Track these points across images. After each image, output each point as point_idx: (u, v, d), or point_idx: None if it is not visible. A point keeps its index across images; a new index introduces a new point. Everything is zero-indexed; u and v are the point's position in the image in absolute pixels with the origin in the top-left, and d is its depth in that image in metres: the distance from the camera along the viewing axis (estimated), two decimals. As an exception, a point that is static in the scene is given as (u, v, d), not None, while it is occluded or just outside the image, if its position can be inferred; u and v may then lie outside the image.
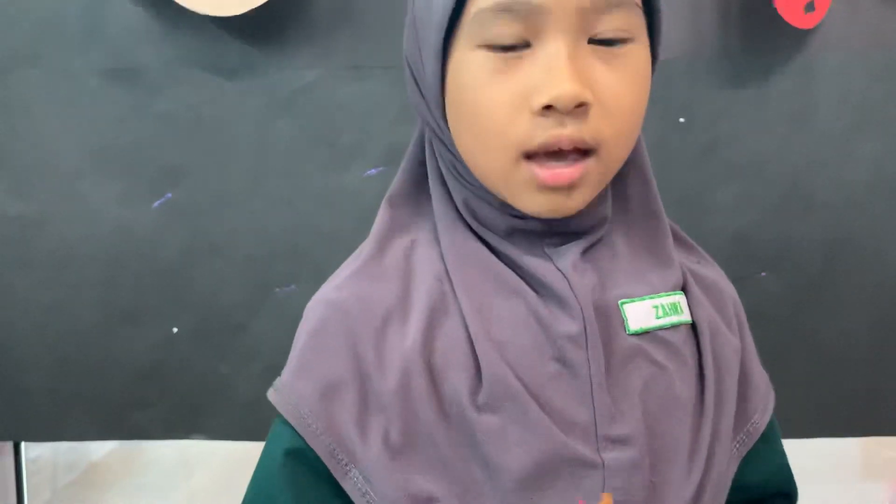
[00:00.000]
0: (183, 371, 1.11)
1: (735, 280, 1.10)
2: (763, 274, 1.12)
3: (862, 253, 1.11)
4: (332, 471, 0.53)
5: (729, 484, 0.57)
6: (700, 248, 0.65)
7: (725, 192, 1.10)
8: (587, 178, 0.52)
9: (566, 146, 0.50)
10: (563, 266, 0.55)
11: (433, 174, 0.60)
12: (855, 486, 1.44)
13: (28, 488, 1.27)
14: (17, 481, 1.24)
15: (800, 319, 1.12)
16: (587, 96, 0.49)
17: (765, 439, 0.61)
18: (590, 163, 0.52)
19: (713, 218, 1.10)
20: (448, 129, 0.55)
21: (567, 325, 0.53)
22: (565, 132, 0.49)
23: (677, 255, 0.60)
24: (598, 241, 0.57)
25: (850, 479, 1.44)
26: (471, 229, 0.58)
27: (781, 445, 0.66)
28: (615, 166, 0.55)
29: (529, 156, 0.51)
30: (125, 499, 1.89)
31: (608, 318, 0.54)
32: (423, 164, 0.61)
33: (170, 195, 1.09)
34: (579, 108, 0.49)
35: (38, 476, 1.34)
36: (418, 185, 0.61)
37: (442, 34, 0.51)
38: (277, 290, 1.10)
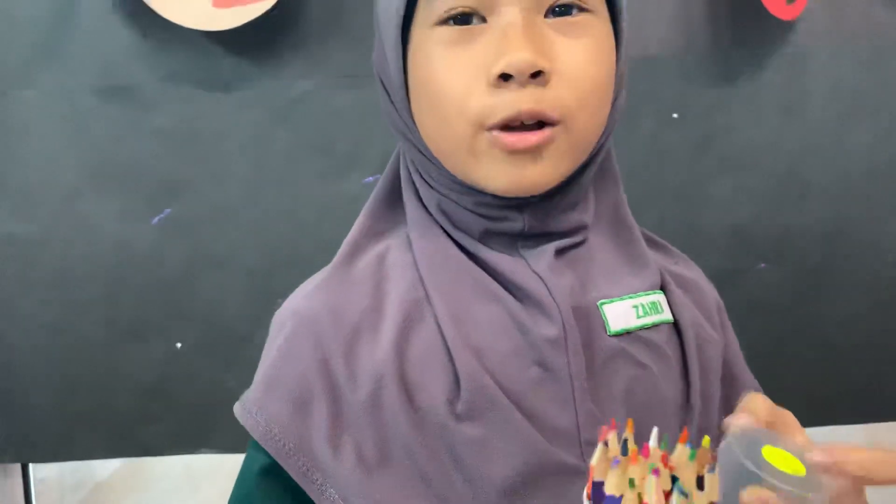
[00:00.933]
0: (188, 385, 1.11)
1: (735, 272, 1.11)
2: (762, 265, 1.12)
3: (859, 240, 1.12)
4: (308, 491, 0.50)
5: None
6: (676, 249, 0.65)
7: (722, 185, 1.11)
8: (554, 146, 0.50)
9: (527, 119, 0.49)
10: (538, 268, 0.53)
11: (406, 182, 0.59)
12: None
13: (36, 510, 1.27)
14: (26, 503, 1.24)
15: (800, 309, 1.12)
16: (543, 63, 0.48)
17: None
18: (556, 130, 0.50)
19: (711, 211, 1.11)
20: (415, 125, 0.54)
21: (546, 329, 0.51)
22: (524, 105, 0.48)
23: (654, 257, 0.59)
24: (574, 244, 0.56)
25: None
26: (445, 232, 0.56)
27: None
28: (584, 140, 0.53)
29: (490, 129, 0.50)
30: (133, 516, 1.89)
31: (588, 320, 0.53)
32: (398, 177, 0.60)
33: (169, 210, 1.09)
34: (537, 78, 0.48)
35: (44, 497, 1.34)
36: (394, 197, 0.60)
37: (400, 18, 0.51)
38: (280, 300, 1.09)
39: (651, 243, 0.62)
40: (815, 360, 1.13)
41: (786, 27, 1.08)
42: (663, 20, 1.06)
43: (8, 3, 1.05)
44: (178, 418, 1.12)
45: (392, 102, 0.56)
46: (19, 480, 1.22)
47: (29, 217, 1.09)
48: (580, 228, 0.56)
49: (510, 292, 0.53)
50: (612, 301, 0.54)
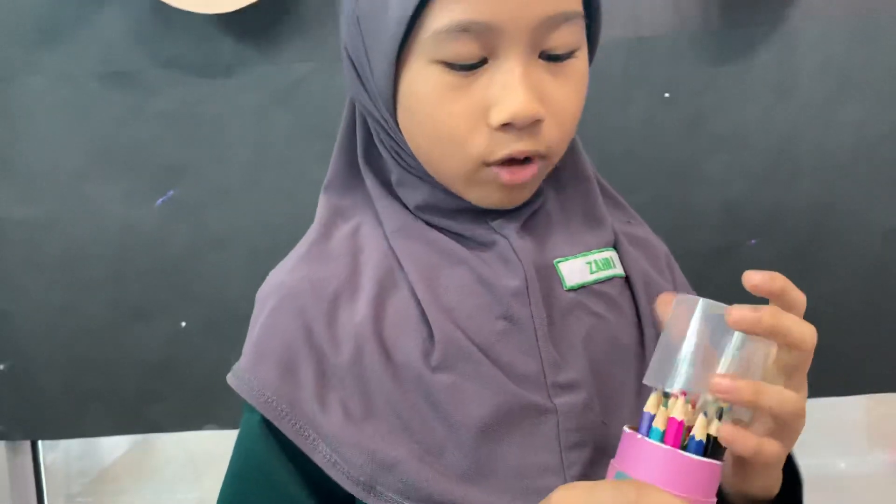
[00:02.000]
0: (194, 364, 1.14)
1: (726, 248, 1.14)
2: (753, 242, 1.14)
3: (849, 217, 1.13)
4: (301, 447, 0.54)
5: None
6: (630, 208, 0.69)
7: (713, 163, 1.13)
8: (538, 175, 0.57)
9: (522, 157, 0.54)
10: (504, 232, 0.59)
11: (365, 159, 0.62)
12: (855, 442, 1.47)
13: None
14: (36, 482, 1.27)
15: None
16: (542, 113, 0.52)
17: None
18: (541, 163, 0.56)
19: (702, 189, 1.13)
20: (397, 124, 0.57)
21: (510, 281, 0.56)
22: (523, 147, 0.53)
23: (609, 215, 0.64)
24: (536, 210, 0.61)
25: (850, 436, 1.47)
26: (411, 212, 0.60)
27: None
28: (559, 158, 0.59)
29: (488, 164, 0.55)
30: (139, 500, 1.92)
31: (547, 277, 0.58)
32: (355, 150, 0.63)
33: (172, 192, 1.12)
34: (534, 124, 0.53)
35: (51, 483, 1.36)
36: (353, 171, 0.63)
37: (396, 47, 0.52)
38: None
39: (609, 199, 0.67)
40: (805, 333, 1.15)
41: (776, 6, 1.09)
42: (655, 0, 1.08)
43: (11, -10, 1.08)
44: (184, 396, 1.14)
45: (367, 92, 0.58)
46: (29, 459, 1.24)
47: (35, 200, 1.12)
48: (538, 193, 0.61)
49: (477, 253, 0.58)
50: (566, 259, 0.59)
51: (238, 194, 1.12)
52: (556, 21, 0.52)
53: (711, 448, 0.47)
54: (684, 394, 0.47)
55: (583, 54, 0.56)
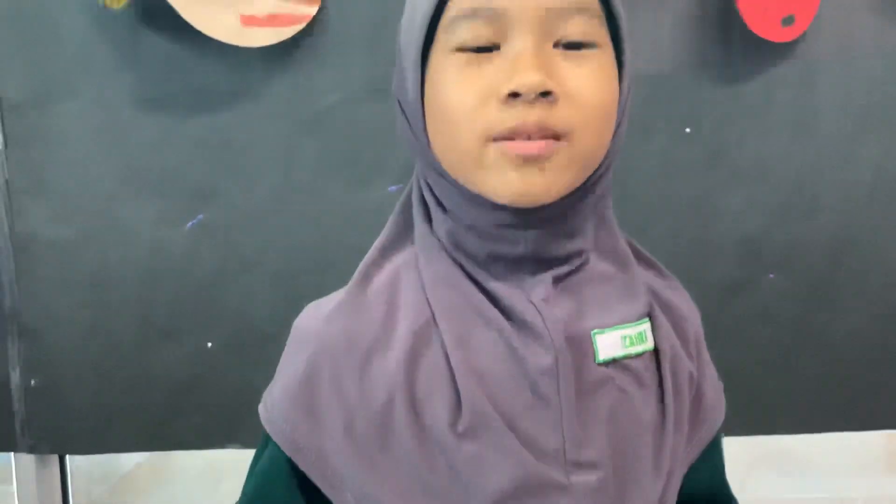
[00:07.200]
0: (218, 383, 1.16)
1: (744, 281, 1.15)
2: (771, 275, 1.15)
3: (866, 252, 1.14)
4: (327, 493, 0.57)
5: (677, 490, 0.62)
6: (661, 266, 0.67)
7: (732, 197, 1.14)
8: (557, 158, 0.53)
9: (533, 131, 0.52)
10: (535, 298, 0.58)
11: (417, 201, 0.62)
12: (874, 477, 1.46)
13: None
14: (62, 493, 1.29)
15: (808, 318, 1.15)
16: (550, 84, 0.52)
17: (705, 451, 0.65)
18: (560, 144, 0.53)
19: (721, 223, 1.14)
20: (429, 143, 0.58)
21: (540, 359, 0.56)
22: (531, 118, 0.52)
23: (645, 280, 0.63)
24: (572, 270, 0.60)
25: (869, 471, 1.46)
26: (451, 258, 0.60)
27: (720, 457, 0.69)
28: (588, 157, 0.56)
29: (497, 139, 0.54)
30: (158, 508, 1.95)
31: (580, 348, 0.57)
32: (410, 211, 0.63)
33: (201, 216, 1.14)
34: (545, 98, 0.52)
35: (73, 488, 1.39)
36: (409, 215, 0.64)
37: (421, 42, 0.55)
38: (305, 302, 1.14)
39: (644, 262, 0.65)
40: (821, 368, 1.16)
41: (796, 44, 1.11)
42: (676, 37, 1.10)
43: (50, 17, 1.11)
44: (208, 414, 1.17)
45: (408, 121, 0.60)
46: (57, 470, 1.27)
47: (67, 221, 1.15)
48: (579, 254, 0.60)
49: (508, 319, 0.58)
50: (603, 332, 0.58)
51: (265, 219, 1.14)
52: (568, 12, 0.54)
53: None
54: None
55: (605, 54, 0.56)
